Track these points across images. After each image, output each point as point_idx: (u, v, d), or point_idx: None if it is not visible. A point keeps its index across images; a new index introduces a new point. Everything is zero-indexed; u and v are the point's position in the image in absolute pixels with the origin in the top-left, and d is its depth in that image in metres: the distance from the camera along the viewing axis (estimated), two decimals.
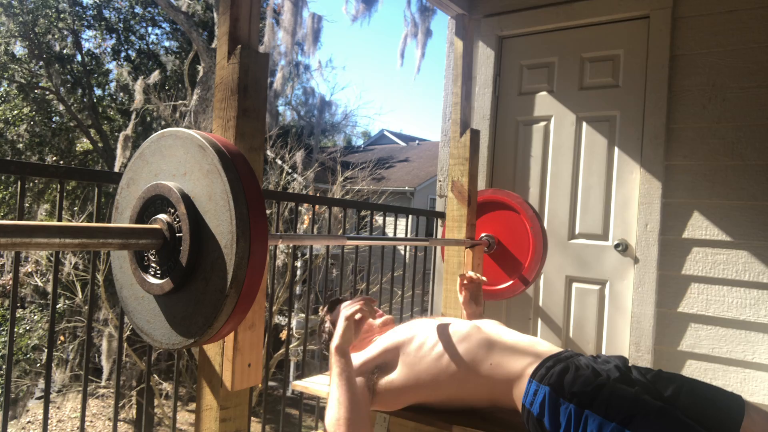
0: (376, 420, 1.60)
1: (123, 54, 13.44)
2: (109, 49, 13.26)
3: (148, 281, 1.00)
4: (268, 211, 1.82)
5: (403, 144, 21.50)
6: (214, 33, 10.46)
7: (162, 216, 0.98)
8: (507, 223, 2.41)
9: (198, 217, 0.94)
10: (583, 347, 2.58)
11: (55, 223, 0.85)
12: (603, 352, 2.51)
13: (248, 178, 0.94)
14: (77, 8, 12.65)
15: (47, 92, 12.34)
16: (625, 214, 2.49)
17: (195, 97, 9.51)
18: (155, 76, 10.72)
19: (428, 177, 15.31)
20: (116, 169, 9.05)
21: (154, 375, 7.63)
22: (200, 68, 9.92)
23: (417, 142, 21.51)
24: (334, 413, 1.28)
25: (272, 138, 9.99)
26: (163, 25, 13.60)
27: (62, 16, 12.11)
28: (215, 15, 10.24)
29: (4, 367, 7.38)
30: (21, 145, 11.83)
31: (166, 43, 13.99)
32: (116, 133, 11.76)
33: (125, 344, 6.95)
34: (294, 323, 8.98)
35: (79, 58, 12.78)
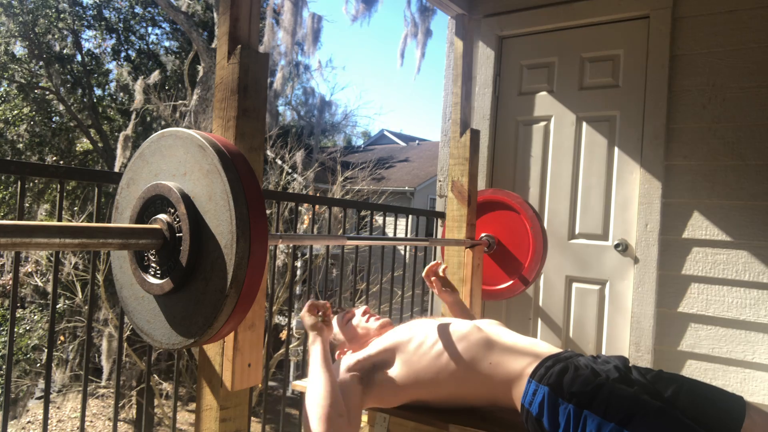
0: (376, 420, 1.60)
1: (123, 54, 13.45)
2: (109, 49, 13.26)
3: (148, 281, 1.00)
4: (268, 211, 1.82)
5: (403, 144, 21.50)
6: (214, 33, 10.46)
7: (162, 216, 0.98)
8: (507, 223, 2.41)
9: (198, 217, 0.94)
10: (583, 347, 2.58)
11: (55, 223, 0.85)
12: (603, 352, 2.51)
13: (248, 178, 0.94)
14: (77, 8, 12.65)
15: (47, 92, 12.34)
16: (625, 214, 2.49)
17: (195, 97, 9.51)
18: (155, 76, 10.72)
19: (428, 177, 15.31)
20: (116, 169, 9.05)
21: (154, 375, 7.63)
22: (200, 68, 9.92)
23: (417, 142, 21.51)
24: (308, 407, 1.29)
25: (272, 138, 9.99)
26: (163, 25, 13.61)
27: (62, 16, 12.11)
28: (215, 15, 10.24)
29: (4, 367, 7.38)
30: (21, 145, 11.83)
31: (166, 43, 14.00)
32: (116, 133, 11.76)
33: (125, 344, 6.95)
34: (294, 323, 8.97)
35: (79, 58, 12.79)
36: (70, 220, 8.19)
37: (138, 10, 13.24)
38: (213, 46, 9.33)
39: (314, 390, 1.31)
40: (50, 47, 12.14)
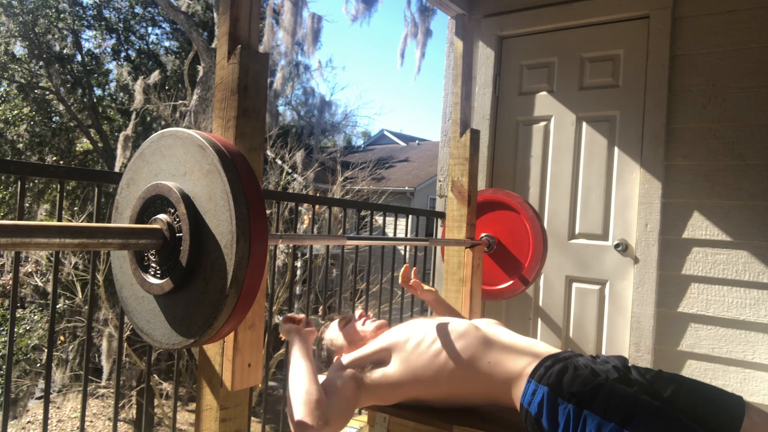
0: (376, 420, 1.60)
1: (123, 54, 13.44)
2: (109, 49, 13.26)
3: (148, 281, 1.00)
4: (268, 211, 1.82)
5: (403, 144, 21.51)
6: (214, 33, 10.46)
7: (162, 216, 0.98)
8: (507, 223, 2.41)
9: (198, 217, 0.94)
10: (583, 347, 2.58)
11: (55, 223, 0.85)
12: (603, 352, 2.51)
13: (248, 178, 0.94)
14: (77, 8, 12.65)
15: (47, 92, 12.34)
16: (625, 214, 2.49)
17: (195, 97, 9.51)
18: (155, 76, 10.72)
19: (428, 177, 15.32)
20: (116, 169, 9.05)
21: (154, 375, 7.63)
22: (200, 68, 9.92)
23: (417, 142, 21.52)
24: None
25: (272, 138, 9.99)
26: (163, 25, 13.61)
27: (62, 16, 12.11)
28: (215, 15, 10.24)
29: (4, 367, 7.38)
30: (21, 145, 11.82)
31: (166, 43, 14.00)
32: (116, 133, 11.76)
33: (125, 344, 6.95)
34: None
35: (79, 58, 12.78)
36: (70, 220, 8.19)
37: (138, 10, 13.24)
38: (213, 46, 9.33)
39: (292, 379, 1.34)
40: (50, 47, 12.14)
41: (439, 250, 2.87)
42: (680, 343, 2.32)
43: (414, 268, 2.05)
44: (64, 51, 12.39)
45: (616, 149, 2.53)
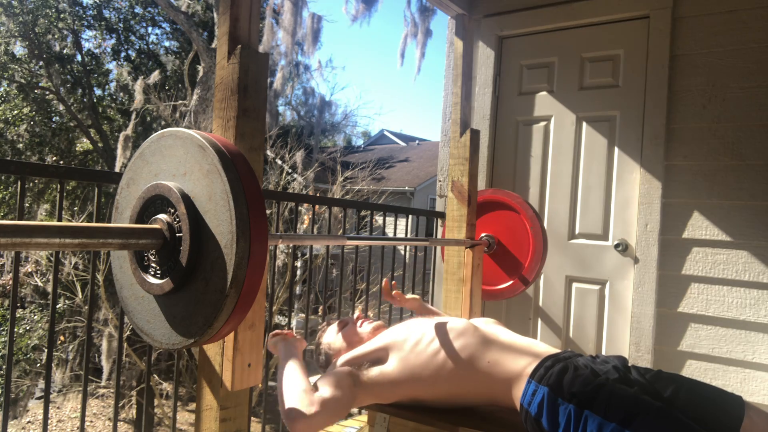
0: (376, 420, 1.60)
1: (123, 54, 13.44)
2: (109, 49, 13.26)
3: (148, 281, 1.00)
4: (268, 211, 1.82)
5: (403, 144, 21.51)
6: (214, 33, 10.46)
7: (162, 216, 0.98)
8: (507, 223, 2.41)
9: (198, 217, 0.94)
10: (583, 347, 2.58)
11: (55, 223, 0.85)
12: (603, 352, 2.51)
13: (248, 178, 0.94)
14: (77, 8, 12.65)
15: (47, 92, 12.34)
16: (625, 214, 2.49)
17: (195, 97, 9.51)
18: (155, 76, 10.72)
19: (428, 177, 15.32)
20: (116, 169, 9.05)
21: (154, 375, 7.63)
22: (200, 68, 9.92)
23: (417, 142, 21.52)
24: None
25: (272, 138, 9.99)
26: (163, 25, 13.61)
27: (62, 16, 12.11)
28: (215, 15, 10.24)
29: (4, 367, 7.38)
30: (21, 145, 11.82)
31: (166, 43, 14.00)
32: (116, 133, 11.76)
33: (125, 344, 6.95)
34: (294, 323, 8.97)
35: (79, 58, 12.78)
36: (70, 220, 8.19)
37: (138, 10, 13.24)
38: (213, 46, 9.33)
39: (281, 377, 1.40)
40: (50, 47, 12.14)
41: (439, 250, 2.87)
42: (680, 343, 2.32)
43: (393, 281, 2.04)
44: (64, 51, 12.39)
45: (616, 149, 2.53)
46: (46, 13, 11.87)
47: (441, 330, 1.48)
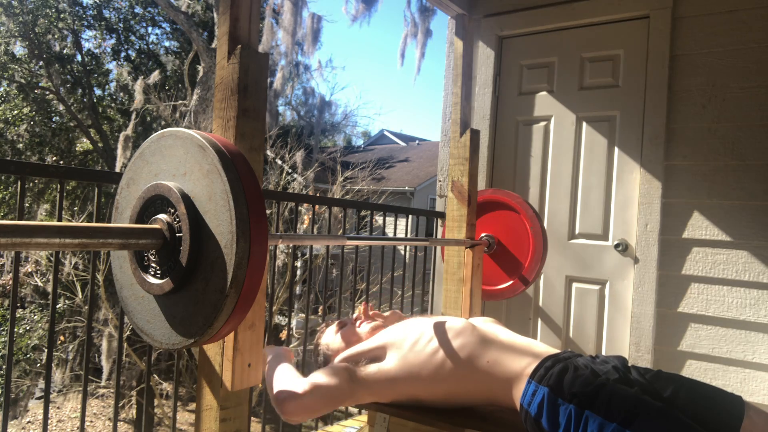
0: (376, 420, 1.60)
1: (123, 54, 13.45)
2: (109, 49, 13.27)
3: (148, 281, 1.00)
4: (268, 211, 1.82)
5: (403, 144, 21.51)
6: (214, 33, 10.46)
7: (162, 216, 0.98)
8: (507, 223, 2.41)
9: (198, 217, 0.94)
10: (583, 347, 2.58)
11: (55, 223, 0.85)
12: (603, 353, 2.51)
13: (248, 178, 0.94)
14: (77, 8, 12.65)
15: (47, 92, 12.34)
16: (625, 214, 2.49)
17: (195, 97, 9.51)
18: (155, 76, 10.72)
19: (428, 177, 15.32)
20: (116, 169, 9.05)
21: (154, 375, 7.63)
22: (200, 68, 9.92)
23: (417, 142, 21.51)
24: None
25: (272, 138, 9.99)
26: (163, 25, 13.61)
27: (62, 16, 12.11)
28: (215, 15, 10.24)
29: (4, 367, 7.38)
30: (21, 145, 11.83)
31: (166, 43, 14.00)
32: (116, 133, 11.77)
33: (125, 344, 6.95)
34: (294, 323, 8.98)
35: (79, 58, 12.79)
36: (70, 220, 8.19)
37: (138, 10, 13.25)
38: (213, 46, 9.34)
39: (269, 372, 1.43)
40: (50, 47, 12.14)
41: (439, 250, 2.87)
42: (680, 343, 2.32)
43: (370, 304, 2.02)
44: (64, 51, 12.40)
45: (616, 149, 2.53)
46: (46, 13, 11.88)
47: (439, 329, 1.48)
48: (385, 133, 23.51)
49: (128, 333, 6.33)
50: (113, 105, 13.51)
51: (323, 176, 12.29)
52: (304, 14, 10.95)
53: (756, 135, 2.21)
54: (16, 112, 11.92)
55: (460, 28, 2.32)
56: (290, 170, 10.30)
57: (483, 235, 2.43)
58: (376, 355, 1.49)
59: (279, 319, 9.36)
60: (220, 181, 0.91)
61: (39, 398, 8.89)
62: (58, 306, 5.33)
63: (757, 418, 1.21)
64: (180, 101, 10.53)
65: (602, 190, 2.57)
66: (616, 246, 2.49)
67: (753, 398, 2.16)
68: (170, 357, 8.52)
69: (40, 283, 8.27)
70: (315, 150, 14.44)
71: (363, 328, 1.64)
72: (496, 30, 2.84)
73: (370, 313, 1.71)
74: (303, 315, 9.25)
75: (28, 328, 8.86)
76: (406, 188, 15.09)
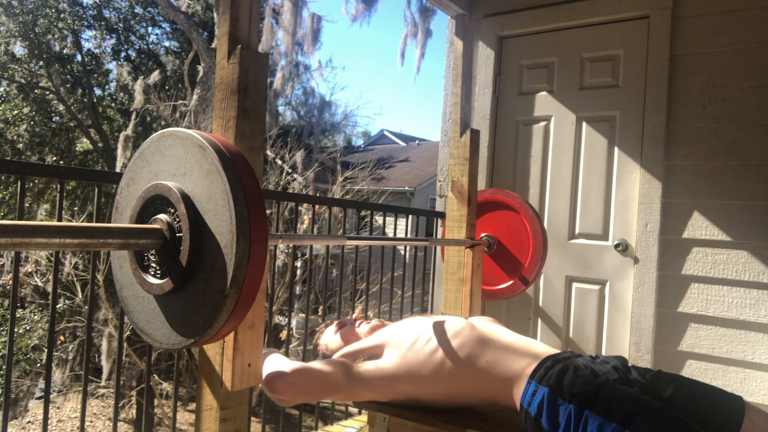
0: (376, 420, 1.60)
1: (123, 54, 13.45)
2: (109, 49, 13.26)
3: (148, 281, 1.00)
4: (268, 211, 1.82)
5: (403, 144, 21.50)
6: (214, 33, 10.46)
7: (162, 216, 0.98)
8: (507, 223, 2.41)
9: (198, 217, 0.94)
10: (583, 347, 2.58)
11: (55, 223, 0.85)
12: (603, 353, 2.51)
13: (248, 178, 0.94)
14: (77, 8, 12.65)
15: (47, 92, 12.34)
16: (625, 214, 2.49)
17: (195, 97, 9.51)
18: (155, 76, 10.72)
19: (428, 177, 15.32)
20: (116, 169, 9.05)
21: (154, 375, 7.63)
22: (200, 68, 9.92)
23: (417, 142, 21.51)
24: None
25: (272, 138, 9.99)
26: (163, 25, 13.61)
27: (62, 16, 12.11)
28: (215, 15, 10.24)
29: (4, 367, 7.38)
30: (21, 145, 11.83)
31: (166, 43, 14.00)
32: (116, 133, 11.77)
33: (125, 344, 6.95)
34: (294, 323, 8.98)
35: (79, 58, 12.78)
36: (70, 220, 8.19)
37: (138, 10, 13.24)
38: (213, 46, 9.34)
39: (265, 360, 1.43)
40: (50, 47, 12.14)
41: (439, 250, 2.87)
42: (680, 343, 2.32)
43: (356, 316, 2.03)
44: (64, 51, 12.40)
45: (616, 149, 2.53)
46: (46, 13, 11.87)
47: (439, 329, 1.48)
48: (385, 133, 23.51)
49: (128, 333, 6.33)
50: (113, 105, 13.51)
51: (323, 176, 12.29)
52: (304, 14, 10.95)
53: (756, 135, 2.21)
54: (16, 112, 11.92)
55: (460, 28, 2.32)
56: (290, 170, 10.30)
57: (483, 235, 2.43)
58: (375, 353, 1.49)
59: (279, 319, 9.36)
60: (220, 181, 0.91)
61: (39, 398, 8.89)
62: (58, 306, 5.33)
63: (757, 418, 1.21)
64: (180, 101, 10.53)
65: (602, 190, 2.57)
66: (616, 246, 2.49)
67: (753, 398, 2.16)
68: (170, 357, 8.52)
69: (40, 283, 8.27)
70: (315, 150, 14.44)
71: (362, 328, 1.65)
72: (496, 30, 2.84)
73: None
74: (303, 315, 9.25)
75: (28, 328, 8.86)
76: (406, 188, 15.09)
